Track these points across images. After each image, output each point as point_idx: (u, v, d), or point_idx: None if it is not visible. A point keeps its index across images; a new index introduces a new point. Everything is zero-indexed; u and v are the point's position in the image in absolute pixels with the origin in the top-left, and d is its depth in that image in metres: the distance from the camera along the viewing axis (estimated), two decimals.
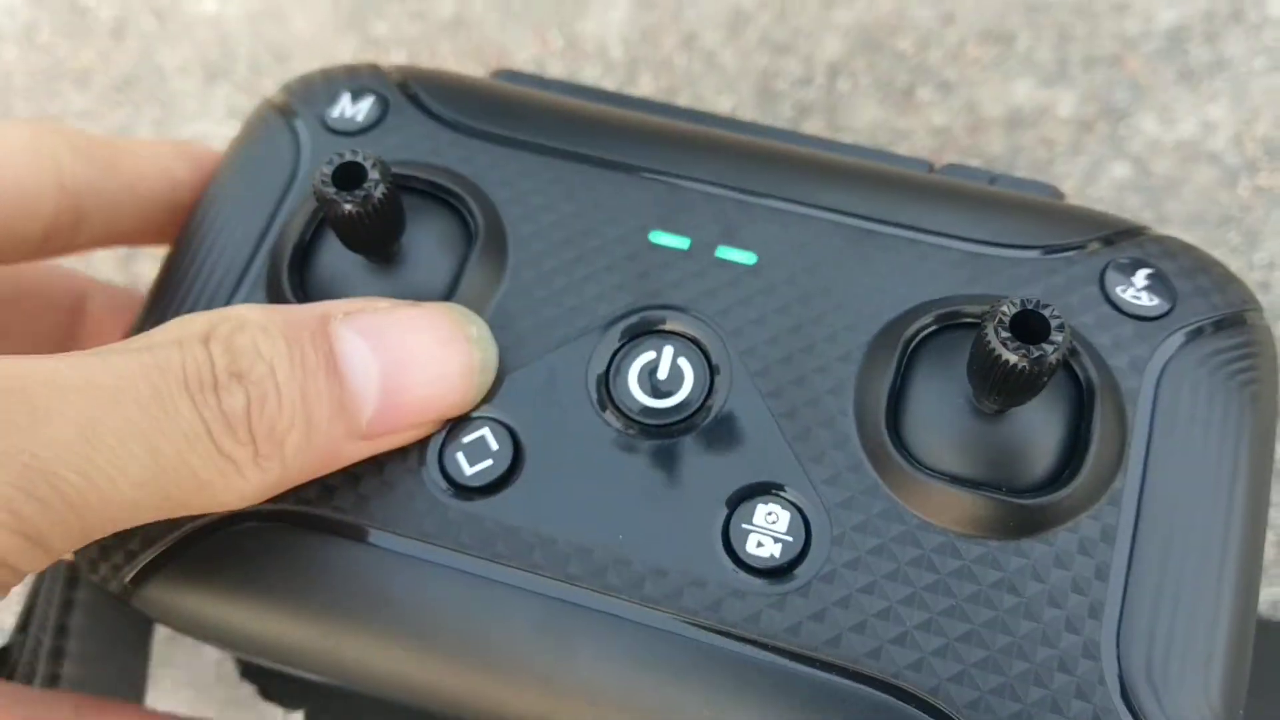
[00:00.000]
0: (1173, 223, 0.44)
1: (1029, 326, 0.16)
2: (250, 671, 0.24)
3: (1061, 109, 0.48)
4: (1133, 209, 0.45)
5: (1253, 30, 0.48)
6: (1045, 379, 0.17)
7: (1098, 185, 0.46)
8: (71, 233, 0.23)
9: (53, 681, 0.25)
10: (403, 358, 0.20)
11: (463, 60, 0.52)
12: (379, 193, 0.18)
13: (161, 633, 0.26)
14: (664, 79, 0.51)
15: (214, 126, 0.51)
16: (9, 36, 0.54)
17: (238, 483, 0.18)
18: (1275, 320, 0.43)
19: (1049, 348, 0.16)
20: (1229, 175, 0.45)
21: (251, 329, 0.19)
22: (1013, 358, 0.16)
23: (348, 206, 0.18)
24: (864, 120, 0.49)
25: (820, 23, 0.51)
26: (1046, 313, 0.16)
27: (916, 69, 0.49)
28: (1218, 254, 0.44)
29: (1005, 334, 0.16)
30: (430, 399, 0.20)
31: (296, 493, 0.20)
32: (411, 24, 0.53)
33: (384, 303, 0.20)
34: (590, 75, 0.50)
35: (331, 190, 0.18)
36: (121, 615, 0.24)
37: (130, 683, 0.25)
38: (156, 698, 0.24)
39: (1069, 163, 0.46)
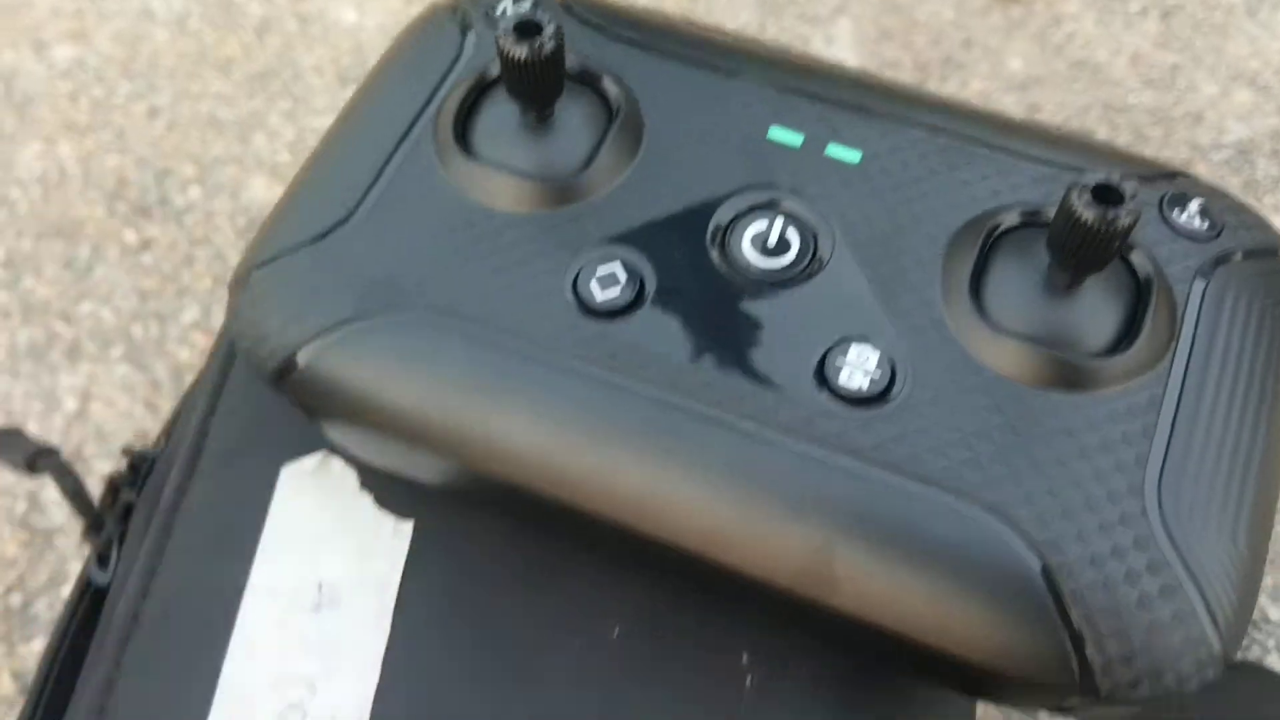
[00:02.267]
0: None
1: (1106, 197, 0.20)
2: (368, 482, 0.27)
3: None
4: None
5: None
6: (1117, 242, 0.20)
7: None
8: None
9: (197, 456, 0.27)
10: None
11: None
12: (550, 45, 0.22)
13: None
14: None
15: None
16: (162, 21, 0.59)
17: None
18: None
19: (1122, 210, 0.19)
20: None
21: None
22: (1091, 216, 0.19)
23: (523, 51, 0.21)
24: None
25: None
26: (1122, 185, 0.19)
27: None
28: None
29: (1087, 197, 0.19)
30: None
31: (444, 290, 0.22)
32: None
33: None
34: None
35: (513, 36, 0.22)
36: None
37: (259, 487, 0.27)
38: (276, 505, 0.26)
39: None
